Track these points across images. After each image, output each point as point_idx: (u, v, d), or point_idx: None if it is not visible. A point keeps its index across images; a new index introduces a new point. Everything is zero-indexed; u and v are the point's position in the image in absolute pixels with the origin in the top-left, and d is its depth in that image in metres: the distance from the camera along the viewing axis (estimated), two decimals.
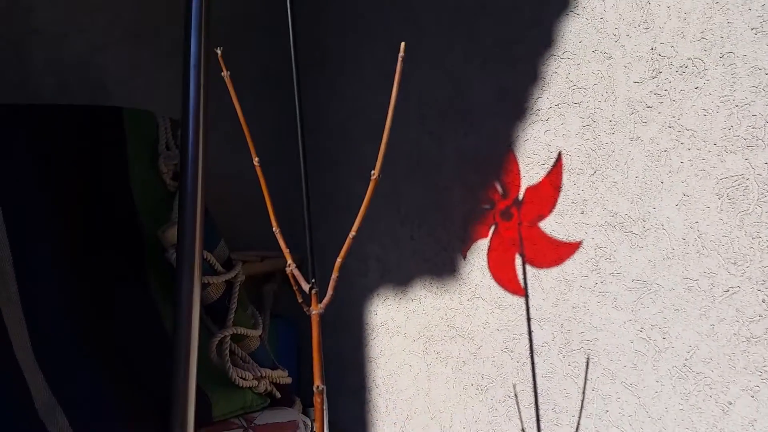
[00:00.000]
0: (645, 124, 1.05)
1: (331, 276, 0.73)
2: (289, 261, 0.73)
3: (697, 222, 0.99)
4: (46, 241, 1.26)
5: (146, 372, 1.26)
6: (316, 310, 0.70)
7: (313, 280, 0.73)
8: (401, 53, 0.64)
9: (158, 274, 1.38)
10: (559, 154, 1.15)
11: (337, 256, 0.74)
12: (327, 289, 0.69)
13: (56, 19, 1.47)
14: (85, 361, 1.22)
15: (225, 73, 0.74)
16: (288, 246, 0.77)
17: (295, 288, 0.72)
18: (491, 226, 1.31)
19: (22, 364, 1.18)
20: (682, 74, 1.00)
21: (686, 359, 1.01)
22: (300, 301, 0.72)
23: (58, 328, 1.22)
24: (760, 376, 0.93)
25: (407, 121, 1.46)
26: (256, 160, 0.75)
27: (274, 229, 0.74)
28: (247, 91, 1.66)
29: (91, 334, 1.25)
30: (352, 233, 0.71)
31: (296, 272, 0.71)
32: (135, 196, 1.39)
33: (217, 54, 0.73)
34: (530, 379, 1.23)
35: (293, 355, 1.82)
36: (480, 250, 1.32)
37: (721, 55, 0.96)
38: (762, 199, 0.92)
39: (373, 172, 0.69)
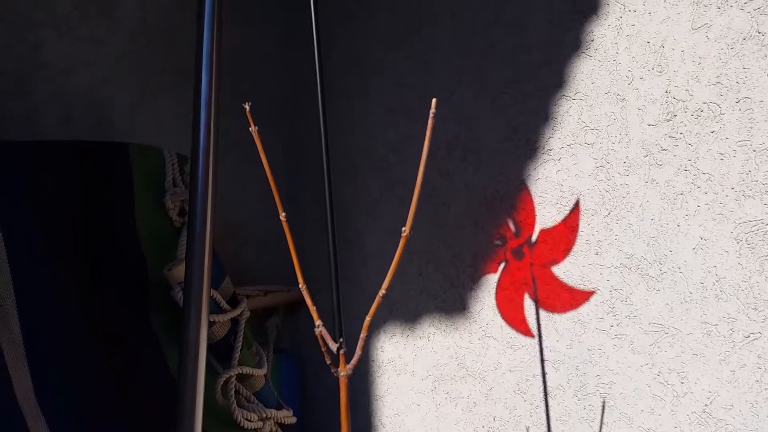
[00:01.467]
0: (660, 166, 1.05)
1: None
2: (317, 321, 0.71)
3: (715, 266, 0.98)
4: (50, 281, 1.23)
5: (151, 415, 1.23)
6: (344, 371, 0.68)
7: (341, 340, 0.71)
8: (432, 110, 0.63)
9: (163, 314, 1.36)
10: (577, 202, 1.15)
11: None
12: (355, 349, 0.67)
13: (63, 53, 1.46)
14: (88, 405, 1.19)
15: (253, 129, 0.73)
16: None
17: (323, 349, 0.70)
18: (501, 263, 1.29)
19: (23, 408, 1.15)
20: (697, 118, 1.00)
21: (706, 405, 1.00)
22: (328, 362, 0.70)
23: (62, 370, 1.19)
24: None
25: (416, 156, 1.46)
26: (282, 215, 0.73)
27: (300, 286, 0.73)
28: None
29: (94, 377, 1.22)
30: (382, 291, 0.69)
31: (324, 332, 0.69)
32: (140, 234, 1.38)
33: (245, 108, 0.72)
34: (544, 422, 1.21)
35: (296, 392, 1.79)
36: (490, 287, 1.31)
37: (737, 100, 0.96)
38: None
39: (404, 228, 0.68)
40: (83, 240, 1.31)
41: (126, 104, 1.55)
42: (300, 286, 0.73)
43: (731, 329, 0.97)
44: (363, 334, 0.69)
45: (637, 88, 1.07)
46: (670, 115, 1.03)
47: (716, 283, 0.98)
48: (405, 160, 1.49)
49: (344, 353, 0.71)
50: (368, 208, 1.59)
